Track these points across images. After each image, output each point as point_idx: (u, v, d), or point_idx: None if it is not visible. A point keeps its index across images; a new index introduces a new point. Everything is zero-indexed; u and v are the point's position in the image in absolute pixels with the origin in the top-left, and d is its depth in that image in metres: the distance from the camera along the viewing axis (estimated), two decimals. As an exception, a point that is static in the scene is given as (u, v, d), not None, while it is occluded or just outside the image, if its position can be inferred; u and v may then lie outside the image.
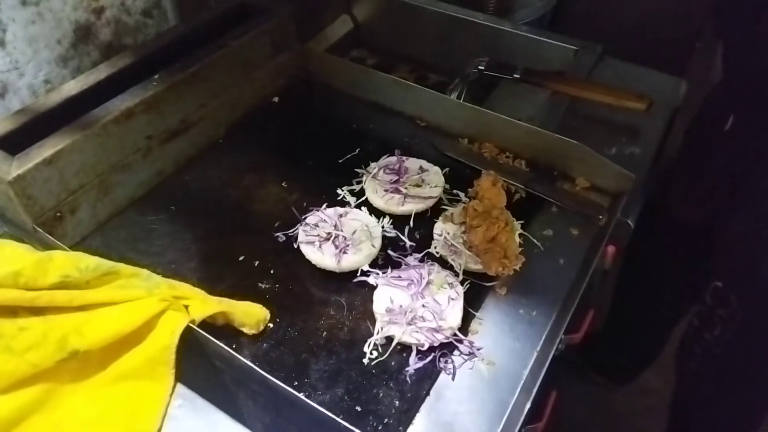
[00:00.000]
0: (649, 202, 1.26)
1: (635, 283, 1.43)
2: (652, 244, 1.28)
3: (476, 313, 0.71)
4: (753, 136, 0.99)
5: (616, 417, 1.63)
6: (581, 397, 1.60)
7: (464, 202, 0.82)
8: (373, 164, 0.87)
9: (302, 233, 0.77)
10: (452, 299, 0.69)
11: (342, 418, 0.57)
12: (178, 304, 0.63)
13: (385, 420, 0.62)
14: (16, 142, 0.72)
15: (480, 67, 1.08)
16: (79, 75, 0.84)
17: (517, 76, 1.05)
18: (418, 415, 0.62)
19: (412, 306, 0.68)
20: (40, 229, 0.71)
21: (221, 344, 0.61)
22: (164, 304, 0.62)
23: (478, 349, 0.68)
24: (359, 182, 0.87)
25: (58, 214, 0.74)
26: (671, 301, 1.37)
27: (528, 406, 0.62)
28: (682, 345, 1.28)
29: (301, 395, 0.59)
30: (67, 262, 0.62)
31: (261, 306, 0.69)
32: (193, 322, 0.62)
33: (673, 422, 1.35)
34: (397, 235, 0.80)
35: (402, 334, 0.66)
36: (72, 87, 0.80)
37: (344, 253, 0.74)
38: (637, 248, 1.35)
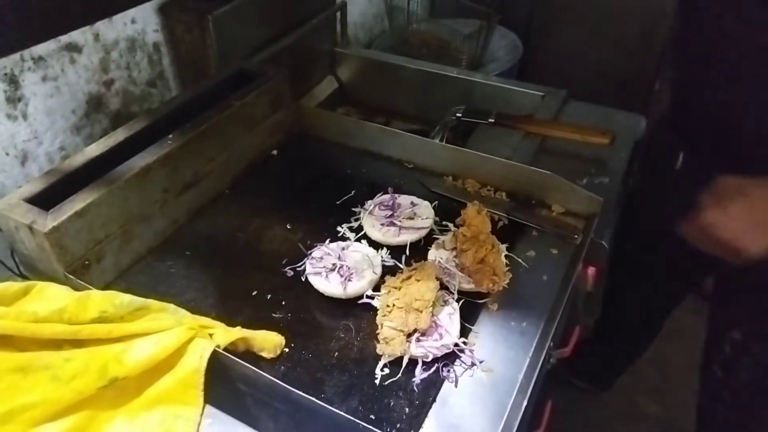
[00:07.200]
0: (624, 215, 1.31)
1: (619, 288, 1.41)
2: (632, 251, 1.30)
3: (472, 327, 0.78)
4: (705, 175, 0.97)
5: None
6: (579, 427, 1.65)
7: (453, 231, 0.90)
8: (368, 202, 0.95)
9: (309, 266, 0.84)
10: (450, 314, 0.76)
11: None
12: (204, 332, 0.70)
13: (398, 425, 0.68)
14: (47, 200, 0.79)
15: (458, 114, 1.19)
16: (91, 142, 0.91)
17: (492, 120, 1.16)
18: (426, 419, 0.68)
19: (415, 323, 0.75)
20: (71, 276, 0.77)
21: (247, 364, 0.67)
22: (192, 332, 0.69)
23: (481, 362, 0.75)
24: (357, 219, 0.94)
25: (86, 263, 0.81)
26: (652, 304, 1.41)
27: (525, 404, 0.69)
28: (705, 395, 1.22)
29: (323, 403, 0.65)
30: (103, 299, 0.68)
31: (277, 333, 0.76)
32: (218, 347, 0.69)
33: None
34: (395, 264, 0.87)
35: (409, 348, 0.73)
36: (94, 149, 0.88)
37: (349, 280, 0.81)
38: (620, 257, 1.38)
